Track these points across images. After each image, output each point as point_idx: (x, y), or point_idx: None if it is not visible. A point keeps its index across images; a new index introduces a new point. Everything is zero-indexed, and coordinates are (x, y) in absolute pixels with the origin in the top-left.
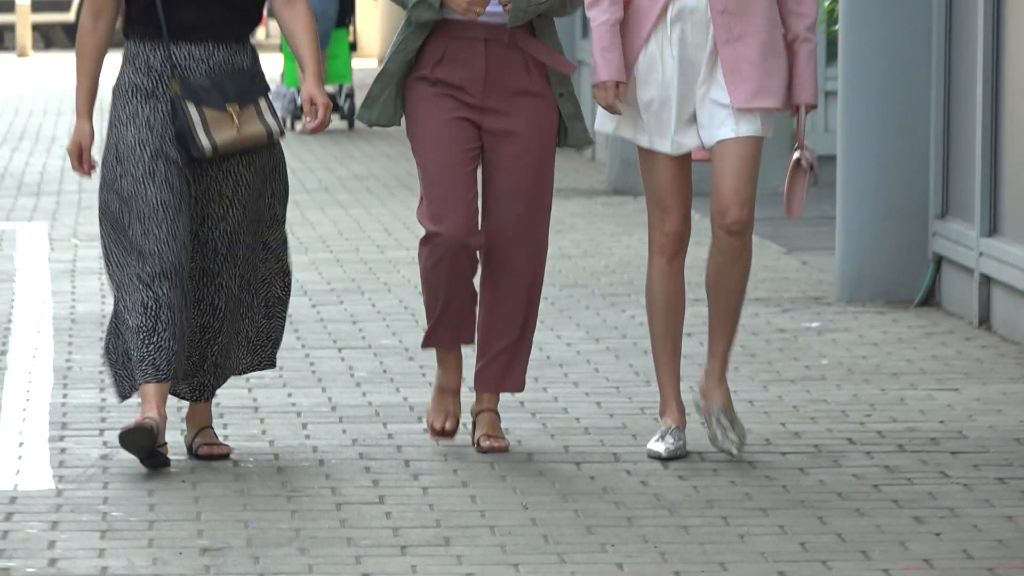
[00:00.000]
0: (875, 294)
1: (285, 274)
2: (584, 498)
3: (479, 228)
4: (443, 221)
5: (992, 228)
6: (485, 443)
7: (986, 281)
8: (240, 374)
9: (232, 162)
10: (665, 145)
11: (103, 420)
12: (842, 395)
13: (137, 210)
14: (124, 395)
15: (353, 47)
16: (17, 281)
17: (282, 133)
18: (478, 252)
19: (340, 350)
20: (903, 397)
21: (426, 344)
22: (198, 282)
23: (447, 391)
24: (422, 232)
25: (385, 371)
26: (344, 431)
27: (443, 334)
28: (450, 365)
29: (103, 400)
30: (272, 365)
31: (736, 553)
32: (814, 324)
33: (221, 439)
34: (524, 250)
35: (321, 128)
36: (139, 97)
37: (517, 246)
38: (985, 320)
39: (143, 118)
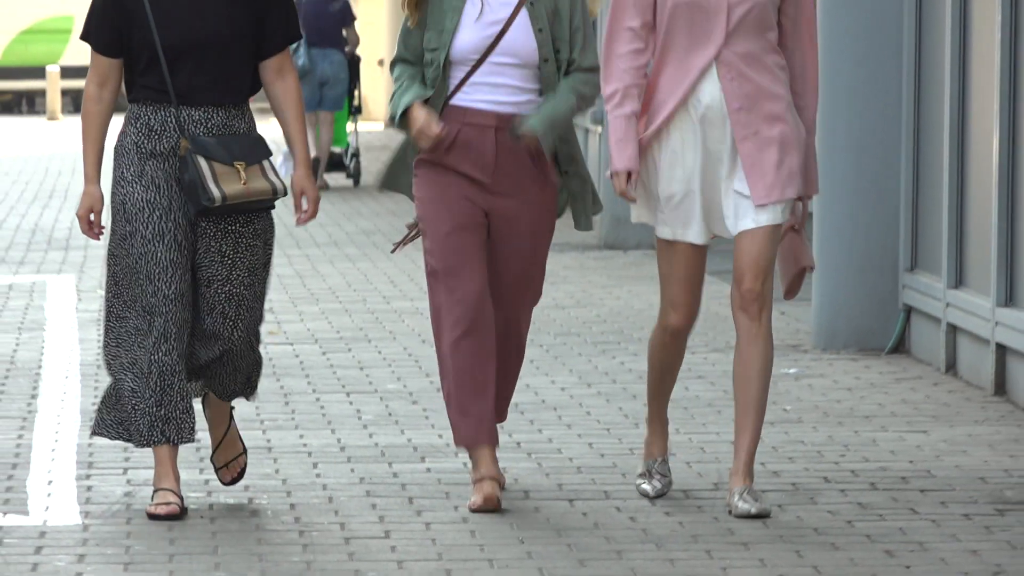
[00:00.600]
0: (849, 342)
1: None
2: (576, 533)
3: (488, 299)
4: (456, 291)
5: (958, 281)
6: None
7: (952, 330)
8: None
9: (231, 221)
10: (689, 235)
11: (127, 460)
12: (818, 436)
13: (147, 270)
14: (142, 443)
15: (358, 110)
16: (47, 330)
17: (285, 192)
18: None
19: (348, 394)
20: (875, 439)
21: (458, 442)
22: (205, 342)
23: (486, 476)
24: (424, 283)
25: (391, 414)
26: (352, 470)
27: (464, 402)
28: (483, 459)
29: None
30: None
31: None
32: (792, 370)
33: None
34: (514, 333)
35: (311, 219)
36: (142, 156)
37: (509, 324)
38: (952, 366)
39: (149, 178)
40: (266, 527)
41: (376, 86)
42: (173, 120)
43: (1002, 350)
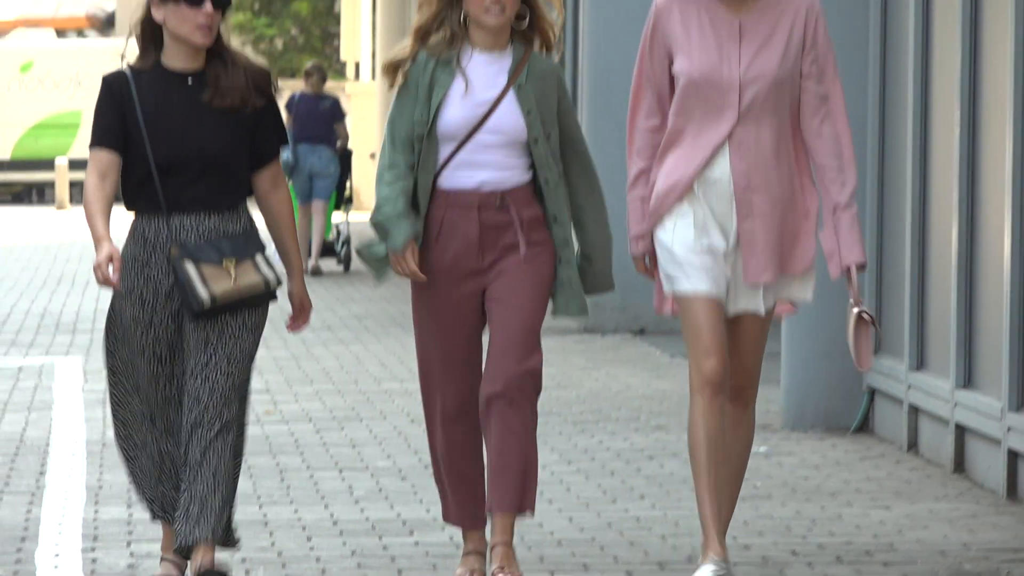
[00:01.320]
0: (816, 422)
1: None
2: None
3: (476, 397)
4: (443, 387)
5: (919, 364)
6: None
7: (914, 411)
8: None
9: (231, 315)
10: (704, 287)
11: (130, 533)
12: (786, 511)
13: (133, 380)
14: (153, 517)
15: (350, 200)
16: (55, 409)
17: (279, 283)
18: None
19: (341, 471)
20: (840, 514)
21: (448, 515)
22: (186, 430)
23: (475, 553)
24: (416, 367)
25: (381, 490)
26: (344, 543)
27: (456, 503)
28: (472, 532)
29: (130, 515)
30: (234, 543)
31: None
32: (762, 449)
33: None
34: (526, 374)
35: (300, 328)
36: (136, 269)
37: (520, 372)
38: (913, 445)
39: (137, 293)
40: None
41: (368, 177)
42: (166, 230)
43: (961, 430)
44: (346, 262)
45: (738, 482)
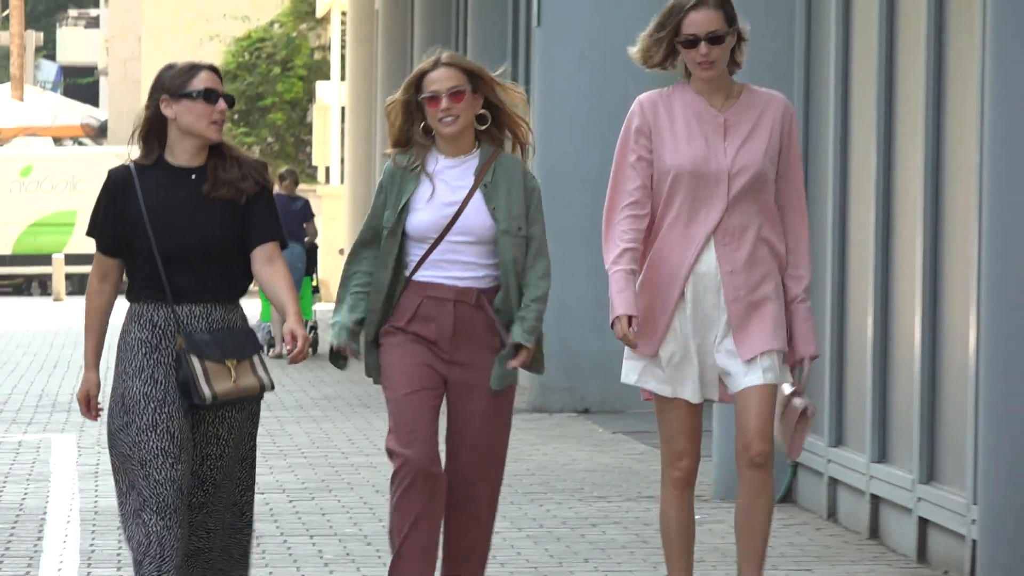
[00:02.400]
0: None
1: (250, 510)
2: None
3: (439, 462)
4: (411, 447)
5: (838, 440)
6: None
7: (833, 482)
8: None
9: (227, 409)
10: (686, 392)
11: None
12: (718, 574)
13: (140, 456)
14: None
15: (316, 290)
16: (51, 481)
17: (271, 387)
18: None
19: (312, 537)
20: None
21: (394, 572)
22: (197, 512)
23: None
24: (381, 442)
25: (348, 554)
26: None
27: (407, 561)
28: None
29: None
30: None
31: None
32: (696, 517)
33: None
34: (483, 487)
35: (300, 357)
36: (144, 351)
37: (476, 484)
38: (832, 514)
39: (148, 372)
40: None
41: (336, 270)
42: (173, 317)
43: (876, 500)
44: (313, 346)
45: (763, 553)
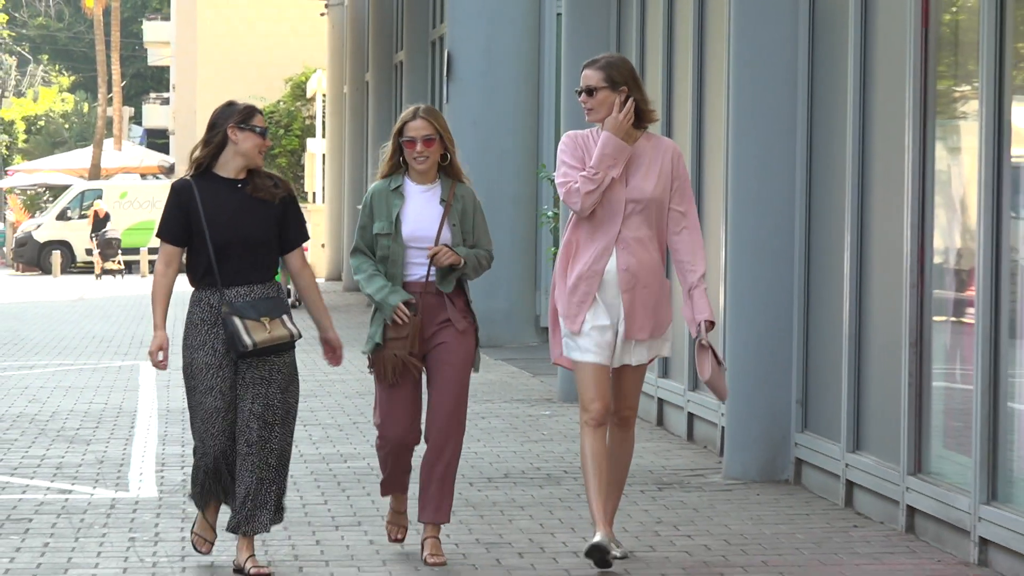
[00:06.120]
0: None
1: (290, 442)
2: None
3: (418, 426)
4: (388, 429)
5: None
6: (431, 560)
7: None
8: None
9: (267, 355)
10: (590, 356)
11: (183, 460)
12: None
13: (202, 414)
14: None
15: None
16: (139, 391)
17: (299, 335)
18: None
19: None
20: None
21: (384, 492)
22: (253, 444)
23: (398, 512)
24: (372, 432)
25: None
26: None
27: (390, 487)
28: (398, 500)
29: (183, 451)
30: (280, 518)
31: None
32: (546, 412)
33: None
34: (455, 423)
35: (339, 362)
36: (205, 328)
37: (451, 423)
38: (674, 430)
39: (210, 344)
40: None
41: (319, 257)
42: (224, 299)
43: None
44: (296, 304)
45: (624, 482)
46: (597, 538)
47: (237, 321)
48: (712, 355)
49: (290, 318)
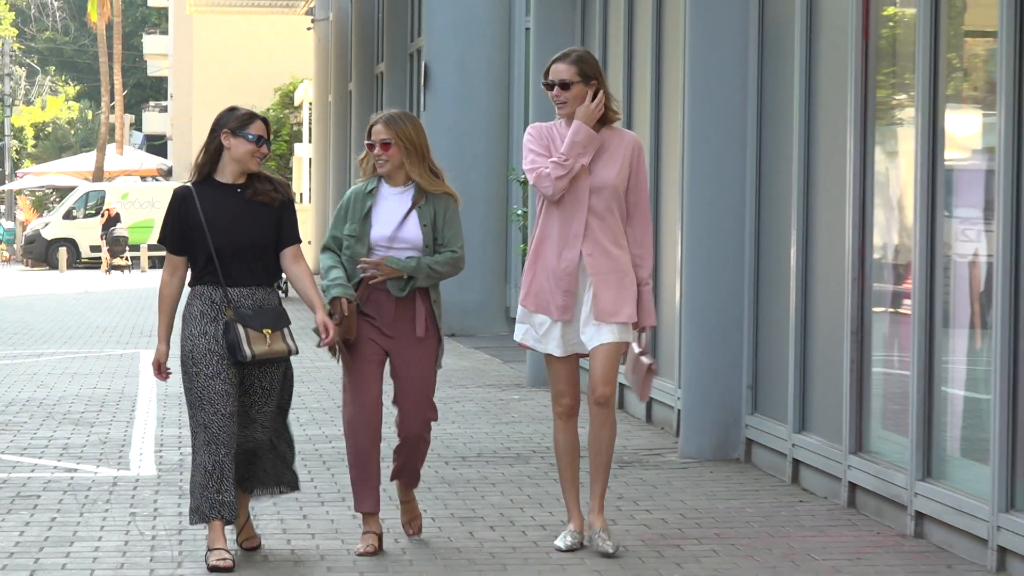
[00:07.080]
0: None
1: (287, 428)
2: None
3: (380, 407)
4: (354, 405)
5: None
6: (410, 530)
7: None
8: (276, 489)
9: (266, 366)
10: (557, 350)
11: (180, 441)
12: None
13: (209, 397)
14: (199, 521)
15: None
16: (140, 377)
17: (297, 352)
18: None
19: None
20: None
21: (357, 505)
22: (249, 437)
23: (371, 531)
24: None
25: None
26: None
27: (362, 496)
28: (371, 521)
29: (180, 433)
30: (296, 486)
31: None
32: (515, 397)
33: None
34: (424, 411)
35: (331, 343)
36: (205, 320)
37: (420, 409)
38: (649, 418)
39: (210, 334)
40: None
41: (305, 250)
42: (226, 297)
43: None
44: (284, 290)
45: (607, 467)
46: (570, 531)
47: (240, 329)
48: (648, 366)
49: (290, 333)
